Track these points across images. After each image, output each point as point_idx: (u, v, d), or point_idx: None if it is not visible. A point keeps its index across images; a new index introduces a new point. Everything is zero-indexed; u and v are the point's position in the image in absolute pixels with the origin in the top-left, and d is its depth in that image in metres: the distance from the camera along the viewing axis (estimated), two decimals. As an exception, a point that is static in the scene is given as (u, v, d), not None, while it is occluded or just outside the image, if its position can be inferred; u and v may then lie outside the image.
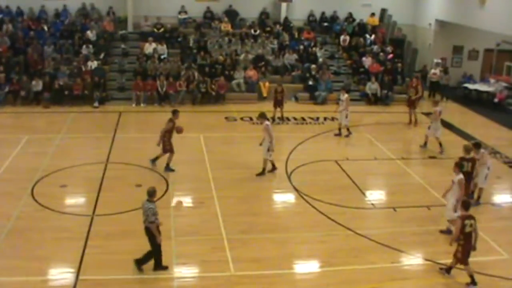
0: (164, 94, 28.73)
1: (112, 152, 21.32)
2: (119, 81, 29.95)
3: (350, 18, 36.61)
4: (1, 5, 33.10)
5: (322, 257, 14.43)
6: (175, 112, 19.71)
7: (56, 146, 21.97)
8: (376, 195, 18.79)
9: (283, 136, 23.89)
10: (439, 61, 33.93)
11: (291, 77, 31.47)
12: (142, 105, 28.37)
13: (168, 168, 19.44)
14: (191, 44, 32.35)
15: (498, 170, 19.31)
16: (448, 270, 13.58)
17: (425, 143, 23.33)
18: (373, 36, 35.25)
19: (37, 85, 27.70)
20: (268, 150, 19.28)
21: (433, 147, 23.02)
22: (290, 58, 32.31)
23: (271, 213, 17.27)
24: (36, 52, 29.84)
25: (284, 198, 18.37)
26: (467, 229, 12.92)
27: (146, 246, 13.24)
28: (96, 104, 27.79)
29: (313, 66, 31.62)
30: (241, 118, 26.85)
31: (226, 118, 26.82)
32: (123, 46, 32.22)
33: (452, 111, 29.95)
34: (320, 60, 32.67)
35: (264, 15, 35.95)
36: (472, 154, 16.84)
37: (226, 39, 33.18)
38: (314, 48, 33.39)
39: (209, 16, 35.12)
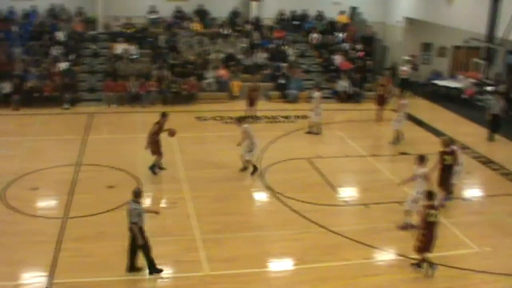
0: (135, 94, 28.60)
1: (84, 154, 21.18)
2: (90, 82, 29.75)
3: (320, 16, 36.84)
4: (-32, 7, 32.68)
5: (296, 255, 14.49)
6: (164, 115, 19.36)
7: (26, 148, 21.77)
8: (348, 192, 18.91)
9: (255, 135, 23.86)
10: (409, 58, 34.29)
11: (262, 75, 31.53)
12: (113, 106, 28.23)
13: (152, 169, 19.21)
14: (161, 44, 32.25)
15: (468, 166, 19.56)
16: (419, 264, 13.75)
17: (397, 139, 23.60)
18: (343, 34, 35.47)
19: (6, 87, 27.38)
20: (250, 151, 19.32)
21: (403, 143, 23.35)
22: (260, 57, 32.38)
23: (245, 212, 17.30)
24: (5, 53, 29.52)
25: (257, 197, 18.44)
26: (430, 219, 13.16)
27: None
28: (66, 105, 27.57)
29: (284, 64, 31.75)
30: (213, 118, 26.84)
31: (197, 118, 26.80)
32: (93, 46, 32.03)
33: (422, 107, 30.29)
34: (291, 58, 32.80)
35: (234, 14, 35.98)
36: (451, 148, 17.17)
37: (197, 38, 33.14)
38: (284, 47, 33.50)
39: (179, 16, 35.04)
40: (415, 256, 13.71)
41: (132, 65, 29.88)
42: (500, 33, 26.76)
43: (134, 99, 28.61)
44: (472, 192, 19.34)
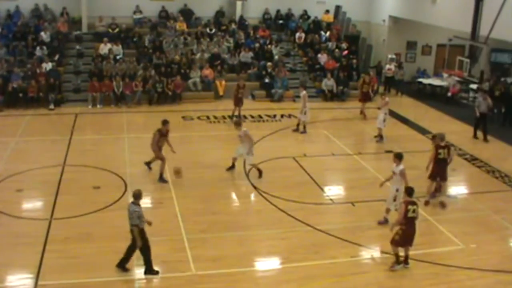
0: (120, 94, 28.51)
1: (69, 155, 21.07)
2: (75, 83, 29.60)
3: (305, 15, 36.87)
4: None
5: (282, 254, 14.52)
6: (164, 123, 18.95)
7: (11, 149, 21.62)
8: (334, 191, 18.97)
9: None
10: (393, 56, 34.47)
11: (247, 75, 31.53)
12: (98, 106, 28.12)
13: (162, 178, 18.80)
14: (146, 44, 32.16)
15: (452, 163, 19.64)
16: (405, 261, 13.83)
17: (381, 136, 23.72)
18: (328, 33, 35.54)
19: (-10, 88, 27.22)
20: (251, 154, 19.24)
21: (388, 141, 23.45)
22: (246, 56, 32.37)
23: (231, 212, 17.33)
24: (-12, 54, 29.33)
25: (243, 196, 18.47)
26: (410, 214, 13.32)
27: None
28: (51, 106, 27.41)
29: (269, 63, 31.76)
30: (198, 117, 26.81)
31: (183, 117, 26.76)
32: (77, 47, 31.85)
33: (407, 106, 30.47)
34: (276, 57, 32.83)
35: (219, 13, 35.94)
36: (445, 142, 17.60)
37: (182, 38, 33.08)
38: (269, 46, 33.52)
39: (164, 15, 34.95)
40: (392, 249, 13.85)
41: (117, 65, 29.76)
42: (484, 31, 26.92)
43: (119, 99, 28.51)
44: (457, 189, 19.48)
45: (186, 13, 35.23)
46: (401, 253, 13.83)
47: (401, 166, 15.59)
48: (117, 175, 19.09)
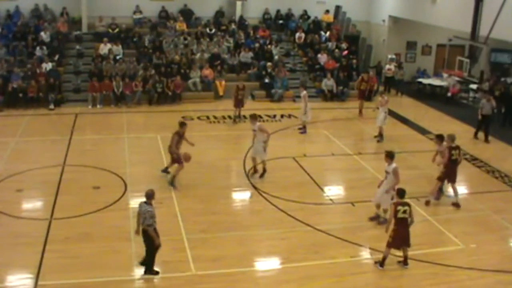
0: (120, 95, 28.50)
1: (69, 155, 21.06)
2: (75, 83, 29.59)
3: (305, 15, 36.88)
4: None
5: (282, 254, 14.52)
6: (182, 125, 18.78)
7: (11, 149, 21.61)
8: (334, 191, 18.96)
9: (241, 134, 23.97)
10: (393, 56, 34.45)
11: (247, 75, 31.53)
12: (98, 106, 28.11)
13: (172, 183, 18.40)
14: (146, 44, 32.15)
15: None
16: (405, 261, 13.83)
17: (381, 135, 23.72)
18: (328, 33, 35.55)
19: (-10, 88, 27.22)
20: (264, 150, 19.16)
21: (388, 141, 23.42)
22: (245, 56, 32.37)
23: (231, 212, 17.32)
24: (-12, 54, 29.33)
25: (243, 196, 18.44)
26: (400, 215, 13.34)
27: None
28: (51, 106, 27.40)
29: (269, 63, 31.75)
30: (198, 117, 26.80)
31: (183, 117, 26.71)
32: (77, 47, 31.84)
33: (407, 106, 30.47)
34: (276, 57, 32.82)
35: (219, 14, 35.95)
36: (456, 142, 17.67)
37: (182, 38, 33.08)
38: (269, 46, 33.51)
39: (164, 15, 34.95)
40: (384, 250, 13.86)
41: (117, 66, 29.75)
42: (483, 31, 26.92)
43: (119, 100, 28.51)
44: (457, 189, 19.43)
45: (186, 13, 35.24)
46: (400, 253, 13.84)
47: (394, 165, 15.61)
48: (117, 175, 19.08)
